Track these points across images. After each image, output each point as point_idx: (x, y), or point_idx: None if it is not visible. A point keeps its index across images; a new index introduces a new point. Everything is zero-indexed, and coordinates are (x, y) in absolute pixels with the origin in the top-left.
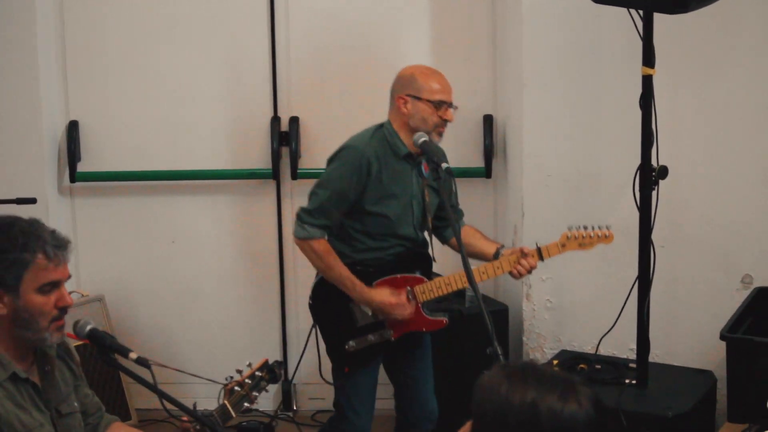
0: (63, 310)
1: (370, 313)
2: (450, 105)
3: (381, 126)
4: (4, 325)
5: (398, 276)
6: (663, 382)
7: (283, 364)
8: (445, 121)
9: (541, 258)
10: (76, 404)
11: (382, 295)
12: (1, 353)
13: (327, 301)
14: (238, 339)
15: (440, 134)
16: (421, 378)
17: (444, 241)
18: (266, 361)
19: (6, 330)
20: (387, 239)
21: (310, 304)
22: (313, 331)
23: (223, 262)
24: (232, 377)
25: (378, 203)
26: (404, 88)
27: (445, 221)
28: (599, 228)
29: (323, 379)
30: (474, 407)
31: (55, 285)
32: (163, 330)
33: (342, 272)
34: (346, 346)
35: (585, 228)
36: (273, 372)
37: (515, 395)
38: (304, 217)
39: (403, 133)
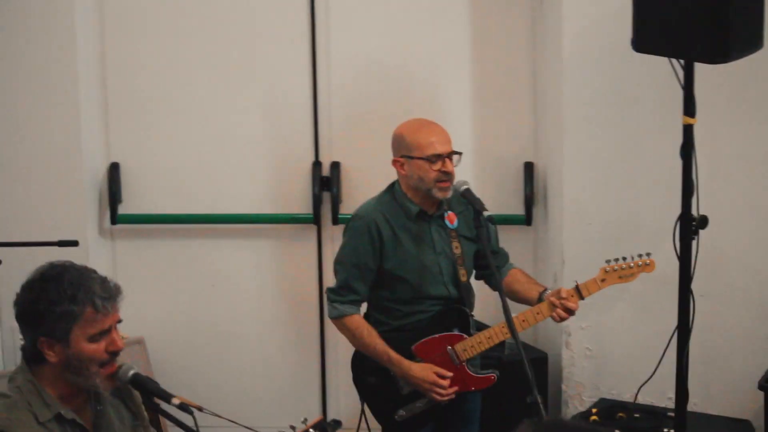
0: (114, 354)
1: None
2: (448, 155)
3: (392, 187)
4: (55, 370)
5: (436, 336)
6: None
7: (339, 424)
8: (446, 173)
9: (581, 296)
10: None
11: (424, 371)
12: (48, 393)
13: (368, 373)
14: (277, 384)
15: (442, 189)
16: None
17: (493, 288)
18: (322, 419)
19: (57, 374)
20: (419, 302)
21: (353, 378)
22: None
23: (263, 307)
24: None
25: (399, 267)
26: (397, 150)
27: (490, 269)
28: (638, 257)
29: None
30: None
31: (106, 332)
32: (202, 374)
33: (378, 347)
34: (396, 417)
35: (624, 259)
36: (327, 430)
37: None
38: (332, 296)
39: (411, 193)
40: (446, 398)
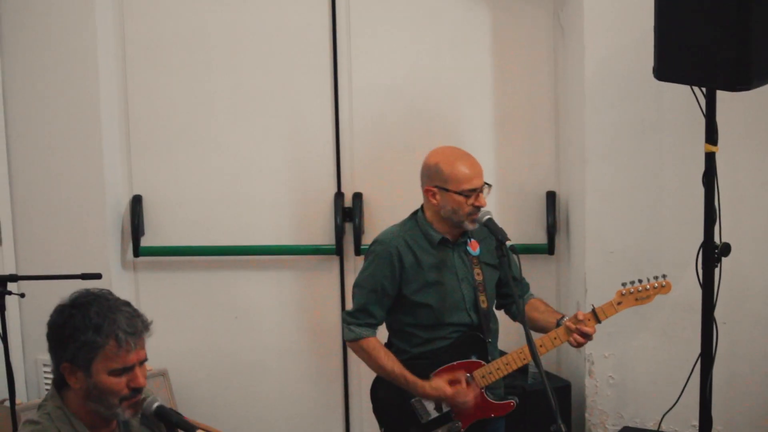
0: (136, 390)
1: (433, 407)
2: (481, 189)
3: (415, 213)
4: (80, 397)
5: (455, 364)
6: None
7: None
8: (478, 208)
9: (597, 320)
10: None
11: (439, 385)
12: (77, 421)
13: (387, 402)
14: (301, 416)
15: (473, 221)
16: None
17: (513, 317)
18: None
19: (81, 400)
20: (440, 329)
21: (373, 409)
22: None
23: (285, 338)
24: None
25: (419, 292)
26: (431, 179)
27: (511, 297)
28: (654, 279)
29: None
30: None
31: (128, 369)
32: (226, 405)
33: (395, 369)
34: None
35: (640, 281)
36: None
37: None
38: (348, 319)
39: (436, 221)
40: (470, 399)
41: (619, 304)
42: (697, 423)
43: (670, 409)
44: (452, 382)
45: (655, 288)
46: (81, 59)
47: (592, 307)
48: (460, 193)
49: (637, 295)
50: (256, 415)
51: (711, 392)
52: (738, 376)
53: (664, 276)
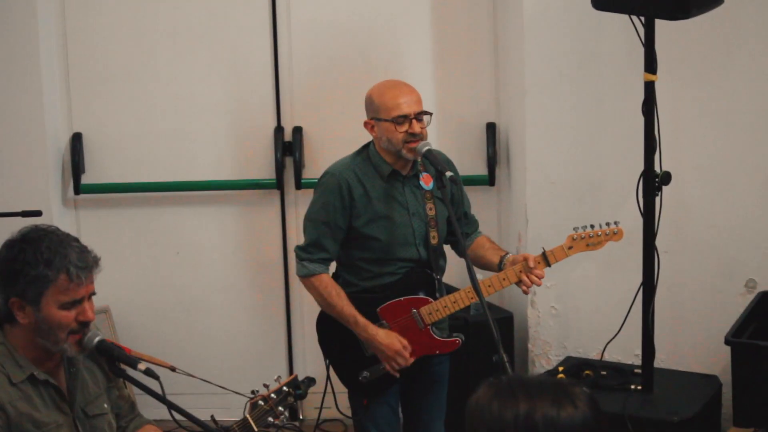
0: (83, 324)
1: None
2: (416, 116)
3: (366, 147)
4: (26, 332)
5: (402, 299)
6: (668, 387)
7: (313, 381)
8: (414, 135)
9: (548, 264)
10: (106, 405)
11: (389, 338)
12: (20, 355)
13: (332, 333)
14: (243, 350)
15: (411, 150)
16: (434, 409)
17: (460, 254)
18: (295, 377)
19: (28, 337)
20: (389, 263)
21: (318, 339)
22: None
23: (227, 273)
24: (257, 391)
25: (369, 225)
26: (368, 112)
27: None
28: (606, 225)
29: (342, 414)
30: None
31: (78, 302)
32: (169, 341)
33: (345, 309)
34: (360, 378)
35: (592, 227)
36: (300, 388)
37: (507, 411)
38: (300, 254)
39: (384, 153)
40: (398, 368)
41: (570, 248)
42: (640, 352)
43: (613, 338)
44: (400, 342)
45: (606, 235)
46: None
47: (542, 251)
48: (392, 121)
49: (588, 240)
50: (199, 349)
51: (653, 321)
52: (680, 304)
53: (616, 223)
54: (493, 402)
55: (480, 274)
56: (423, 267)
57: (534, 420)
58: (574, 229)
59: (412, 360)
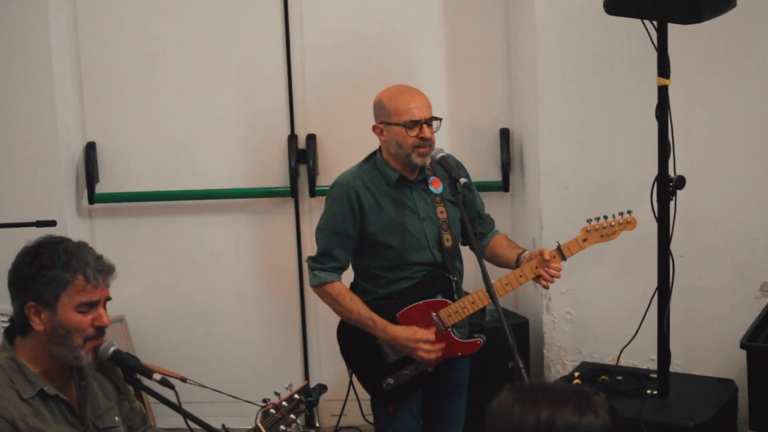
0: (99, 329)
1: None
2: (426, 121)
3: (373, 155)
4: (40, 342)
5: (420, 303)
6: (684, 392)
7: (325, 388)
8: (424, 140)
9: (563, 257)
10: (117, 418)
11: (408, 331)
12: (30, 370)
13: (353, 343)
14: (258, 358)
15: (421, 155)
16: (454, 416)
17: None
18: (306, 384)
19: (42, 347)
20: (405, 269)
21: (340, 349)
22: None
23: (242, 281)
24: (269, 399)
25: (382, 233)
26: (377, 116)
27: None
28: (620, 215)
29: (367, 421)
30: None
31: (93, 305)
32: (184, 349)
33: (362, 312)
34: (384, 385)
35: (605, 218)
36: (311, 395)
37: (529, 417)
38: (312, 264)
39: (391, 159)
40: (433, 356)
41: (584, 240)
42: (655, 357)
43: (628, 343)
44: (423, 332)
45: (620, 224)
46: (32, 5)
47: (557, 245)
48: (402, 125)
49: (602, 231)
50: (214, 357)
51: (669, 326)
52: (695, 309)
53: (629, 212)
54: (515, 406)
55: (499, 273)
56: (439, 270)
57: (555, 427)
58: (587, 221)
59: (439, 348)
